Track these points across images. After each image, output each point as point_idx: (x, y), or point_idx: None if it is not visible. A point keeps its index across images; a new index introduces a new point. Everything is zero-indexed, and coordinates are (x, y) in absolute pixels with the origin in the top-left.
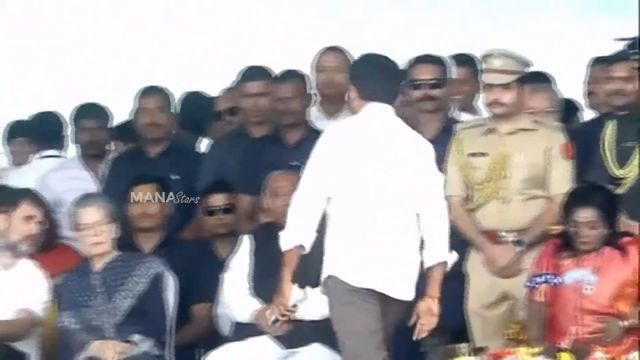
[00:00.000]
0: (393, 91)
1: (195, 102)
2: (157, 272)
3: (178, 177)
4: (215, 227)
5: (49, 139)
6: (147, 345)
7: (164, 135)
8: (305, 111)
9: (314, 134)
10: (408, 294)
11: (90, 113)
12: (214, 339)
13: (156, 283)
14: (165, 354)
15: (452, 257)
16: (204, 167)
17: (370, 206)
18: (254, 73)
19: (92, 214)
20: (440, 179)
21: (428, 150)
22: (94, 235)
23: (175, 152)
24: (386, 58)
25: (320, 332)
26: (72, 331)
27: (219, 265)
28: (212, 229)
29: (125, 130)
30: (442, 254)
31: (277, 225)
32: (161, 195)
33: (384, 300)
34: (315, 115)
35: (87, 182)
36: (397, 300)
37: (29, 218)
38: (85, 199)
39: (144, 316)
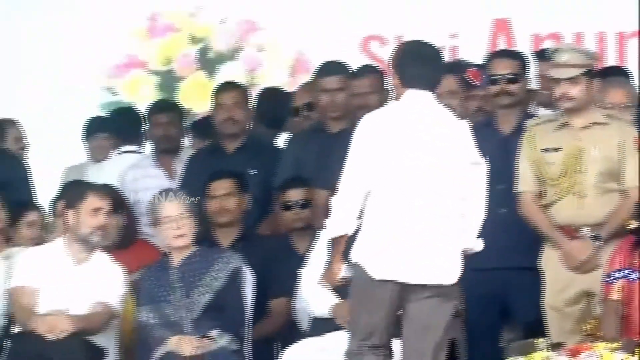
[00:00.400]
0: (434, 78)
1: (273, 97)
2: (235, 267)
3: (255, 171)
4: (293, 222)
5: (128, 135)
6: (225, 340)
7: (241, 131)
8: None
9: None
10: (443, 279)
11: (164, 108)
12: (292, 334)
13: (234, 278)
14: (243, 348)
15: (479, 246)
16: (281, 162)
17: (407, 195)
18: (331, 68)
19: (174, 207)
20: (483, 167)
21: (469, 136)
22: (177, 227)
23: (253, 147)
24: (428, 45)
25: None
26: (150, 326)
27: (297, 260)
28: (289, 223)
29: (202, 126)
30: (471, 242)
31: None
32: (239, 190)
33: (405, 288)
34: None
35: (160, 179)
36: (434, 286)
37: (96, 210)
38: (166, 193)
39: (222, 311)
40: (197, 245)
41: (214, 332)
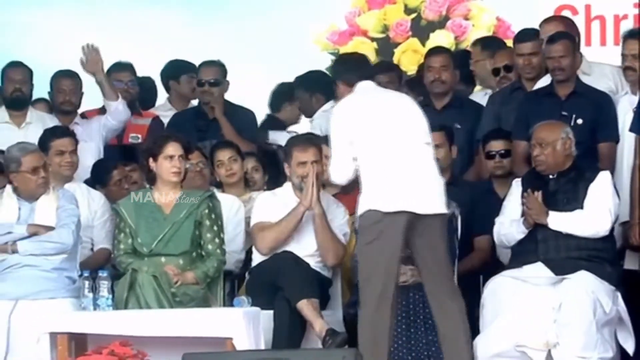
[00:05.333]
0: (369, 72)
1: (466, 59)
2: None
3: (459, 126)
4: (494, 169)
5: None
6: None
7: (448, 90)
8: (575, 68)
9: (584, 89)
10: (439, 208)
11: (385, 69)
12: (495, 267)
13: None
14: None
15: None
16: (483, 117)
17: (391, 146)
18: (527, 35)
19: None
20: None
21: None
22: None
23: (458, 105)
24: (352, 52)
25: (587, 260)
26: None
27: (498, 203)
28: (491, 170)
29: (415, 84)
30: None
31: (539, 172)
32: (447, 141)
33: (415, 220)
34: None
35: None
36: (429, 215)
37: (301, 164)
38: None
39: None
40: None
41: None
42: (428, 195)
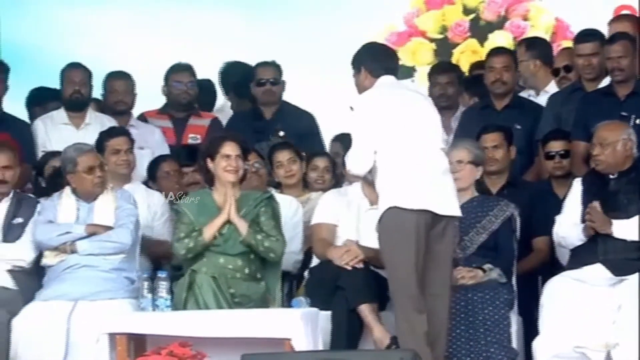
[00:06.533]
0: (394, 66)
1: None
2: (510, 214)
3: (519, 127)
4: (554, 170)
5: None
6: (495, 274)
7: (508, 91)
8: (634, 69)
9: None
10: (455, 211)
11: (445, 70)
12: (553, 268)
13: (508, 224)
14: (511, 281)
15: None
16: (543, 117)
17: (411, 146)
18: (588, 35)
19: (460, 154)
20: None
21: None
22: (456, 171)
23: (518, 105)
24: (381, 43)
25: None
26: None
27: (557, 203)
28: (551, 171)
29: (475, 84)
30: None
31: (599, 172)
32: (506, 142)
33: (433, 220)
34: None
35: None
36: (446, 217)
37: None
38: (461, 142)
39: (494, 250)
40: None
41: (486, 266)
42: (446, 197)
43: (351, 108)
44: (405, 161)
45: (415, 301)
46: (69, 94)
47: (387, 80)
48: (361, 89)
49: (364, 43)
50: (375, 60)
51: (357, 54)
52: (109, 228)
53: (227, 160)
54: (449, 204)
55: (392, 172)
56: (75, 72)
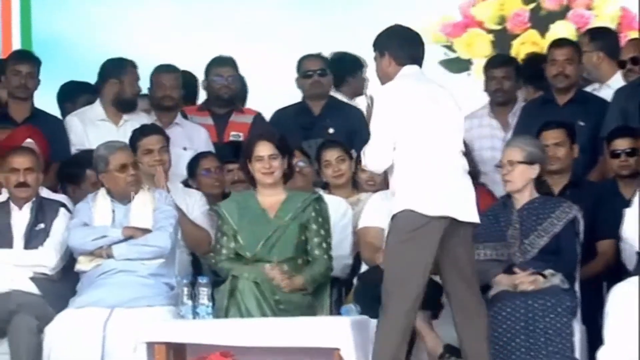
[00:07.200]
0: (421, 55)
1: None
2: (573, 217)
3: (583, 123)
4: (620, 169)
5: None
6: (557, 279)
7: (571, 85)
8: None
9: None
10: (476, 217)
11: (499, 63)
12: (619, 273)
13: (571, 226)
14: (573, 287)
15: None
16: (608, 113)
17: (432, 146)
18: None
19: (510, 154)
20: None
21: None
22: (507, 173)
23: (582, 100)
24: (409, 28)
25: None
26: (484, 262)
27: (623, 204)
28: (616, 170)
29: (534, 78)
30: None
31: None
32: (568, 139)
33: (453, 225)
34: None
35: (493, 129)
36: (467, 223)
37: None
38: (514, 140)
39: (556, 254)
40: (537, 193)
41: (548, 271)
42: (466, 202)
43: (371, 98)
44: (425, 161)
45: (412, 306)
46: (159, 97)
47: (411, 70)
48: (383, 75)
49: (390, 26)
50: (402, 47)
51: (382, 36)
52: (147, 231)
53: (260, 162)
54: (469, 210)
55: (410, 171)
56: (166, 75)
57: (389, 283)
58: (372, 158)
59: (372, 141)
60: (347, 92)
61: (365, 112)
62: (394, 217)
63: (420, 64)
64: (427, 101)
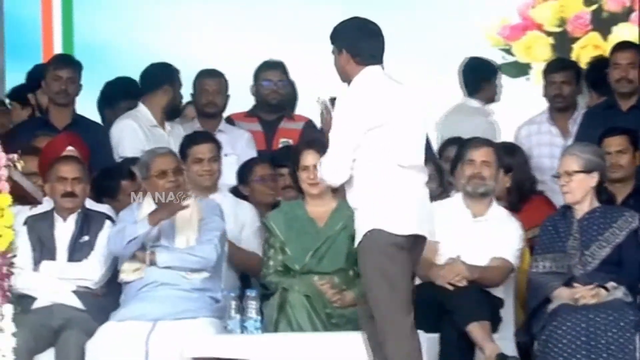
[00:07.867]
0: (382, 52)
1: None
2: (636, 226)
3: None
4: None
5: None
6: (620, 292)
7: (635, 90)
8: None
9: None
10: (432, 234)
11: (560, 67)
12: None
13: (634, 236)
14: (637, 300)
15: None
16: None
17: (397, 159)
18: None
19: (567, 164)
20: None
21: (422, 100)
22: (565, 183)
23: None
24: (368, 20)
25: None
26: (542, 275)
27: None
28: None
29: (597, 83)
30: None
31: None
32: (632, 146)
33: (415, 244)
34: None
35: (553, 136)
36: (423, 241)
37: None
38: (571, 148)
39: (618, 265)
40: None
41: (610, 284)
42: (428, 217)
43: (324, 103)
44: (391, 175)
45: (412, 327)
46: (203, 104)
47: (374, 72)
48: (342, 72)
49: (348, 18)
50: (361, 44)
51: (338, 30)
52: (172, 213)
53: (306, 172)
54: (429, 225)
55: (375, 186)
56: (209, 81)
57: (382, 312)
58: (331, 170)
59: (332, 151)
60: (482, 98)
61: (320, 119)
62: (361, 241)
63: (381, 62)
64: (393, 111)
